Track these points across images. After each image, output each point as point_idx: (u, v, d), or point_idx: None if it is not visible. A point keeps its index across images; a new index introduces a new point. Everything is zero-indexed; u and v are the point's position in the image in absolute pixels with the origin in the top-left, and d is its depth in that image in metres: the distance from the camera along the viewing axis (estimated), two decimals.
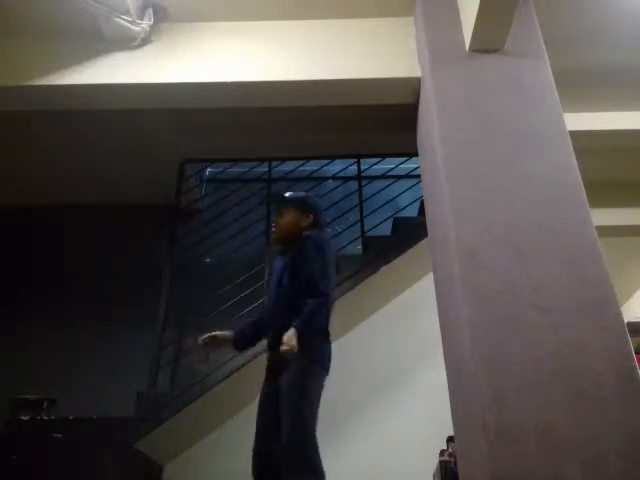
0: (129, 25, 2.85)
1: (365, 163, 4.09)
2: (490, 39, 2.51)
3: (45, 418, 3.03)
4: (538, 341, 1.87)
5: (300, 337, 1.90)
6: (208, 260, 4.19)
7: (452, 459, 2.84)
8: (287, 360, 1.94)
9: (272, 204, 2.26)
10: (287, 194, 2.36)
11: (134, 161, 4.10)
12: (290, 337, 1.90)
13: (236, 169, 4.42)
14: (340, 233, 3.72)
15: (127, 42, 2.90)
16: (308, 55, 2.89)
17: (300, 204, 2.28)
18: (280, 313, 2.10)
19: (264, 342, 2.25)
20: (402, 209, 4.00)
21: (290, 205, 2.28)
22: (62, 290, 4.08)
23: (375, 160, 4.11)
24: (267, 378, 2.11)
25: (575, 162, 2.25)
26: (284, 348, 1.89)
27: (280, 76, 2.83)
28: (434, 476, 3.09)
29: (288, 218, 2.24)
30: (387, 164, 4.16)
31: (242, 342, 2.30)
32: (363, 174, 4.02)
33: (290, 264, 2.15)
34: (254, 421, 2.06)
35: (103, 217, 4.35)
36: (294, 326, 1.94)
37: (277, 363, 2.02)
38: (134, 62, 2.89)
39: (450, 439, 2.89)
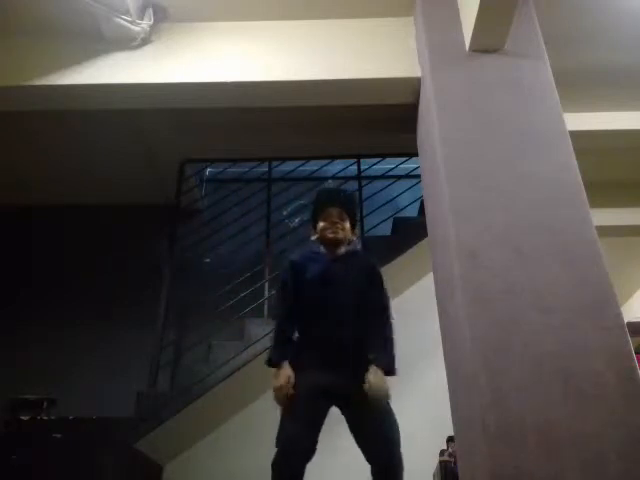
0: (129, 25, 2.84)
1: (365, 163, 4.09)
2: (490, 39, 2.50)
3: (45, 418, 3.03)
4: (538, 341, 1.86)
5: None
6: (208, 260, 4.19)
7: (452, 459, 2.84)
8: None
9: (342, 202, 2.13)
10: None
11: (134, 161, 4.10)
12: (381, 380, 1.86)
13: (236, 169, 4.43)
14: None
15: (127, 42, 2.89)
16: (308, 55, 2.89)
17: (356, 220, 2.21)
18: (362, 334, 1.99)
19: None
20: (402, 209, 4.00)
21: (352, 214, 2.18)
22: (62, 290, 4.08)
23: (375, 160, 4.11)
24: (331, 399, 1.91)
25: (575, 162, 2.25)
26: (378, 394, 1.85)
27: (280, 76, 2.83)
28: (434, 476, 3.09)
29: (348, 226, 2.13)
30: (387, 164, 4.17)
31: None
32: (363, 174, 4.02)
33: (358, 278, 2.05)
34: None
35: (103, 217, 4.35)
36: (381, 366, 1.89)
37: (358, 395, 1.86)
38: (134, 62, 2.89)
39: (450, 439, 2.89)
